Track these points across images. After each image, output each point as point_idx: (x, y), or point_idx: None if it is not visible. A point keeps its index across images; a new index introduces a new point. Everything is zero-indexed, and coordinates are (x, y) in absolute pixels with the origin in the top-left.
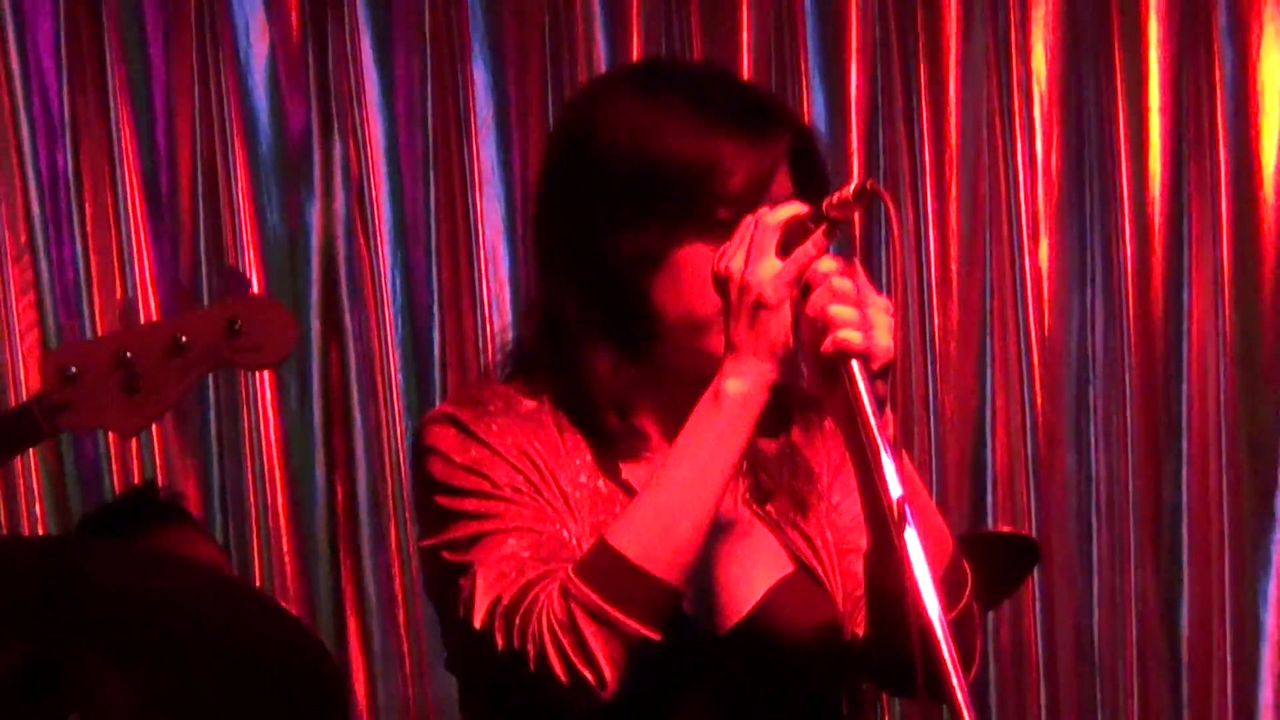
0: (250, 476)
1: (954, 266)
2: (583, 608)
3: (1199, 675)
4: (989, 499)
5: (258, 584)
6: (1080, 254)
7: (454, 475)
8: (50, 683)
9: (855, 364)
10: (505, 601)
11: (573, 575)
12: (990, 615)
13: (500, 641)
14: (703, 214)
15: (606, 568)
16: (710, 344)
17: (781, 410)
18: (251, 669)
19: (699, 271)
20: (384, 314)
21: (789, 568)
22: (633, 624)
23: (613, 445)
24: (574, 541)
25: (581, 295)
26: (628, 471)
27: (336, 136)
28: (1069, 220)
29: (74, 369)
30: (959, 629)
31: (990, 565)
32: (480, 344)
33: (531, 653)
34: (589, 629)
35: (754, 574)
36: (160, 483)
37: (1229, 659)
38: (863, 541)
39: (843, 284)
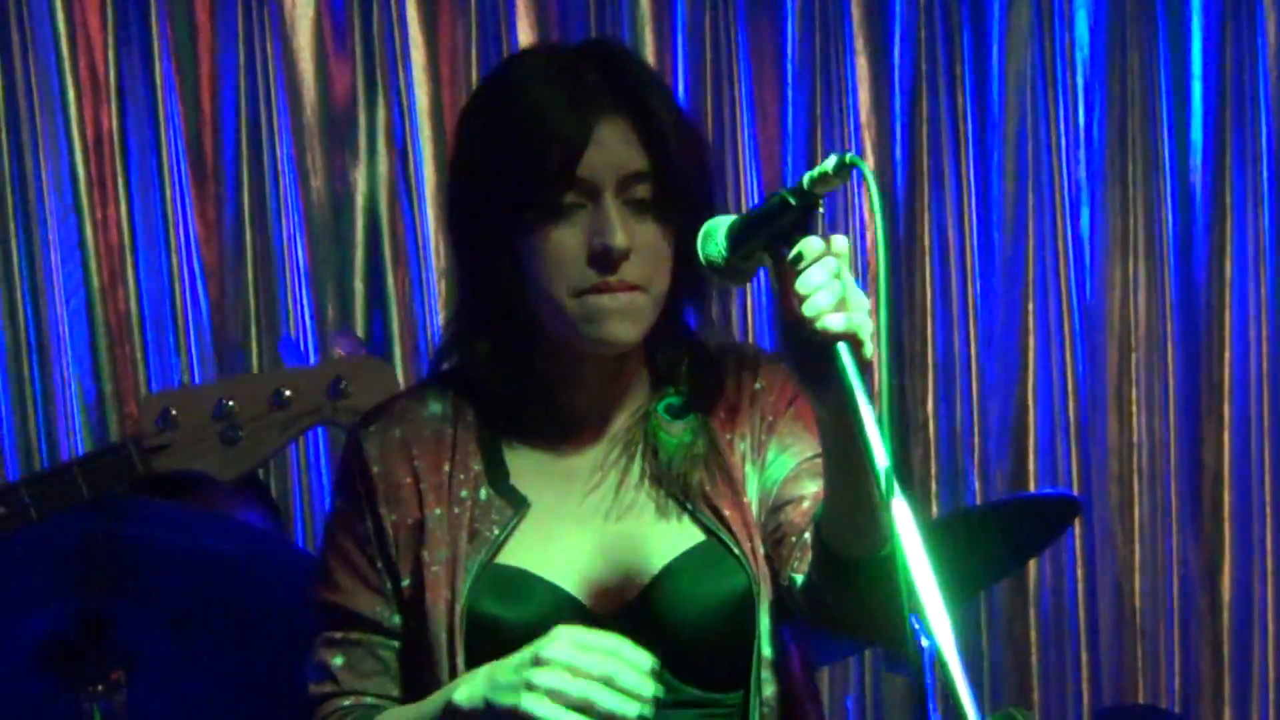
0: None
1: (996, 234)
2: None
3: (1240, 639)
4: (1031, 464)
5: (299, 546)
6: (1122, 221)
7: (333, 508)
8: (97, 638)
9: (843, 346)
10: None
11: None
12: (1032, 579)
13: None
14: (541, 196)
15: None
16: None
17: (707, 383)
18: (292, 628)
19: (542, 253)
20: (427, 277)
21: (697, 539)
22: None
23: (508, 439)
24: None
25: (462, 285)
26: (517, 478)
27: (381, 100)
28: (1111, 188)
29: (174, 412)
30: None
31: (1030, 523)
32: None
33: None
34: None
35: (651, 552)
36: None
37: (1271, 623)
38: (807, 488)
39: (828, 265)
